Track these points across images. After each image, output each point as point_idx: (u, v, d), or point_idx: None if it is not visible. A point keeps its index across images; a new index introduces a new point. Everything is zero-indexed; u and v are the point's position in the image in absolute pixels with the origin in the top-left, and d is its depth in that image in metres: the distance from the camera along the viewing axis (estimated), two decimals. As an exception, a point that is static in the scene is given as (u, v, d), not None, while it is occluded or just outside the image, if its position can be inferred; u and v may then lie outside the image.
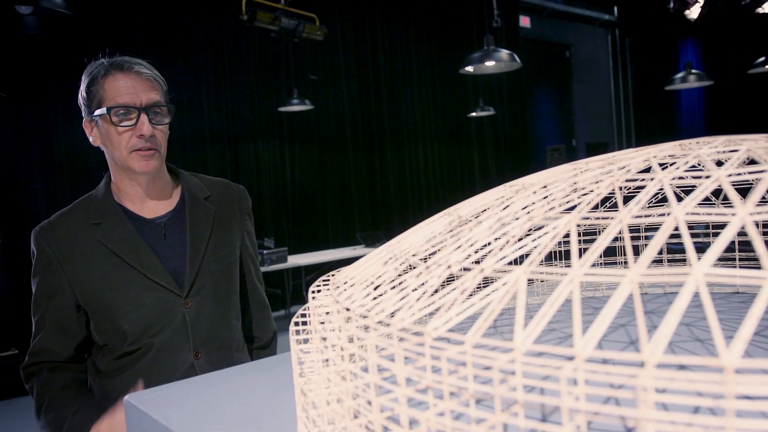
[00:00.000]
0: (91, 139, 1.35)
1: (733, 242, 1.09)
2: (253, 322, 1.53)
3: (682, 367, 0.66)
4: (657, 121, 11.95)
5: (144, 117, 1.28)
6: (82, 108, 1.34)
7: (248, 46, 6.89)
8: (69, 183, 5.59)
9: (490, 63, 4.77)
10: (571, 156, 10.58)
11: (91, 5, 5.36)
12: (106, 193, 1.36)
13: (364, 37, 8.13)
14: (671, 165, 0.53)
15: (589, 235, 1.19)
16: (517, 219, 0.49)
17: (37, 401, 1.29)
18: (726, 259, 1.12)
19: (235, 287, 1.45)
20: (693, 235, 1.19)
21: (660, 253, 1.18)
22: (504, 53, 4.71)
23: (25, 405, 4.49)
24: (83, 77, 1.32)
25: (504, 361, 0.34)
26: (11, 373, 4.56)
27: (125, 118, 1.28)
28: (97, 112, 1.29)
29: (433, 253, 0.52)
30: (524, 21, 10.27)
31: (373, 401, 0.43)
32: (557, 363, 0.33)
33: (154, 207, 1.39)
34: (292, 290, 6.71)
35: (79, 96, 1.34)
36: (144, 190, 1.37)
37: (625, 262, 1.20)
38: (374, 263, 0.59)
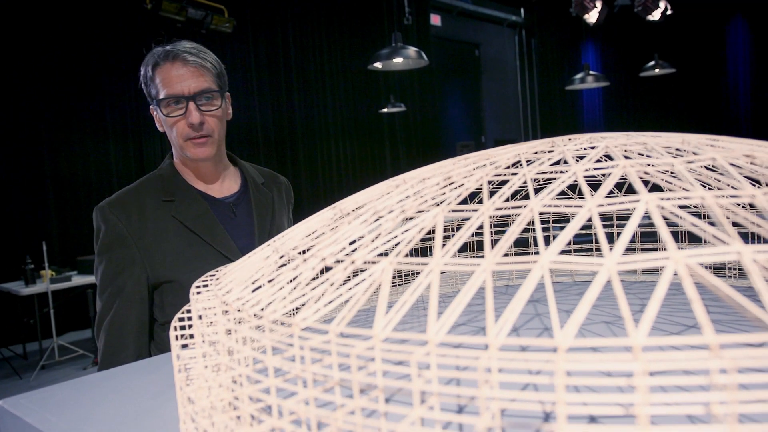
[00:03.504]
0: (157, 125, 1.39)
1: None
2: None
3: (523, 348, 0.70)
4: (561, 118, 12.50)
5: (192, 105, 1.30)
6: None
7: (153, 36, 6.63)
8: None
9: (398, 60, 4.83)
10: (480, 152, 10.86)
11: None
12: (174, 172, 1.39)
13: (275, 30, 8.01)
14: (537, 161, 0.56)
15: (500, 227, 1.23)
16: (390, 212, 0.51)
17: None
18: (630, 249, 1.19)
19: None
20: (606, 226, 1.25)
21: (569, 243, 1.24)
22: (412, 50, 4.78)
23: None
24: (141, 68, 1.35)
25: (362, 348, 0.36)
26: None
27: (176, 108, 1.31)
28: (153, 102, 1.33)
29: (312, 247, 0.53)
30: (435, 19, 10.45)
31: (244, 393, 0.43)
32: (411, 348, 0.35)
33: (219, 187, 1.44)
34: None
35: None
36: (207, 173, 1.41)
37: (535, 252, 1.26)
38: (257, 258, 0.60)
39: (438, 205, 0.49)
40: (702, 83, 12.32)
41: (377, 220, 0.50)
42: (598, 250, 1.20)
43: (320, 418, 0.38)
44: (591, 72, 7.42)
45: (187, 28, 6.30)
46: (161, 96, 1.31)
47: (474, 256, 1.22)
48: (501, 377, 0.33)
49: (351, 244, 0.48)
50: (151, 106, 1.37)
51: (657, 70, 8.06)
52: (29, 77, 5.67)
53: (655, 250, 1.13)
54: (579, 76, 7.53)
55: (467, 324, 0.88)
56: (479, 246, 1.24)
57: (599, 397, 0.32)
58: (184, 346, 0.57)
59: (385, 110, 8.64)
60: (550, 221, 1.30)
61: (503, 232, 1.29)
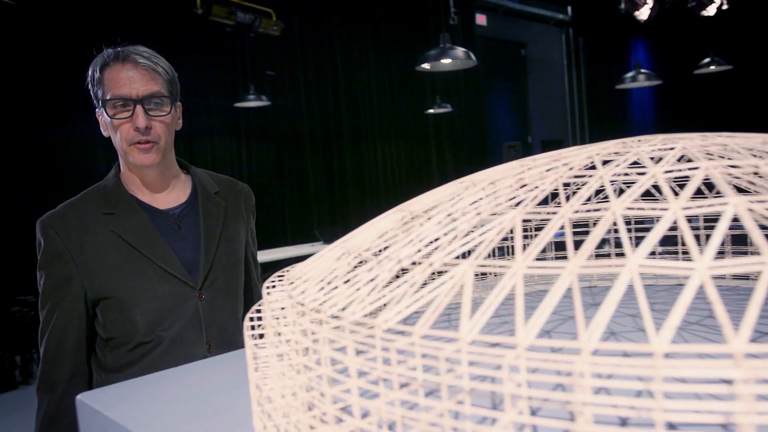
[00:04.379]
0: (102, 130, 1.34)
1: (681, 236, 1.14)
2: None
3: (624, 354, 0.69)
4: (609, 118, 12.23)
5: (139, 109, 1.26)
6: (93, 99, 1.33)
7: (203, 40, 6.78)
8: (40, 185, 5.44)
9: (446, 60, 4.81)
10: (526, 153, 10.74)
11: (38, -4, 5.19)
12: (117, 183, 1.35)
13: (322, 33, 8.09)
14: (612, 162, 0.55)
15: (541, 230, 1.22)
16: (465, 214, 0.51)
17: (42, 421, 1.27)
18: (674, 253, 1.17)
19: (242, 282, 1.46)
20: (646, 230, 1.23)
21: (607, 246, 1.22)
22: (460, 51, 4.75)
23: (9, 399, 4.42)
24: (89, 69, 1.31)
25: (450, 351, 0.36)
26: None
27: (122, 110, 1.27)
28: (99, 104, 1.29)
29: (385, 248, 0.53)
30: (480, 19, 10.37)
31: (326, 393, 0.44)
32: (501, 352, 0.35)
33: (165, 198, 1.39)
34: (249, 288, 6.63)
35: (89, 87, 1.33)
36: (153, 182, 1.36)
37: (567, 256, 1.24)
38: (328, 259, 0.60)
39: (514, 207, 0.49)
40: (760, 80, 11.88)
41: (452, 221, 0.50)
42: (661, 253, 1.17)
43: (406, 420, 0.38)
44: (642, 70, 7.24)
45: (236, 32, 6.42)
46: (107, 96, 1.26)
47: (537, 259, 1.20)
48: (598, 382, 0.32)
49: (427, 246, 0.48)
50: (96, 110, 1.33)
51: (712, 67, 7.81)
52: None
53: (722, 253, 1.10)
54: (630, 74, 7.35)
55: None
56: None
57: (696, 405, 0.32)
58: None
59: (431, 111, 8.62)
60: (591, 225, 1.27)
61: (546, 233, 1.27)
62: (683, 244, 1.14)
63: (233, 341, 1.40)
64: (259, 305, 0.63)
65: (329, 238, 7.03)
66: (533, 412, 0.54)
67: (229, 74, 7.07)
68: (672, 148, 0.56)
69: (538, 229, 1.23)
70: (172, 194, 1.40)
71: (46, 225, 1.28)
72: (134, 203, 1.33)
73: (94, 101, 1.32)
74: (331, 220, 8.13)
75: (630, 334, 0.79)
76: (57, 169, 5.60)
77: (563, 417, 0.54)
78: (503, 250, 1.25)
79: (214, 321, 1.33)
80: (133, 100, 1.26)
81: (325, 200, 8.21)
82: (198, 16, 5.97)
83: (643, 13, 7.73)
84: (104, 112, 1.29)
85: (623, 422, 0.52)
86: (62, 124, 5.63)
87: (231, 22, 6.13)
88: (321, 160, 8.14)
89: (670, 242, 1.14)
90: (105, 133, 1.34)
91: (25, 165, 5.50)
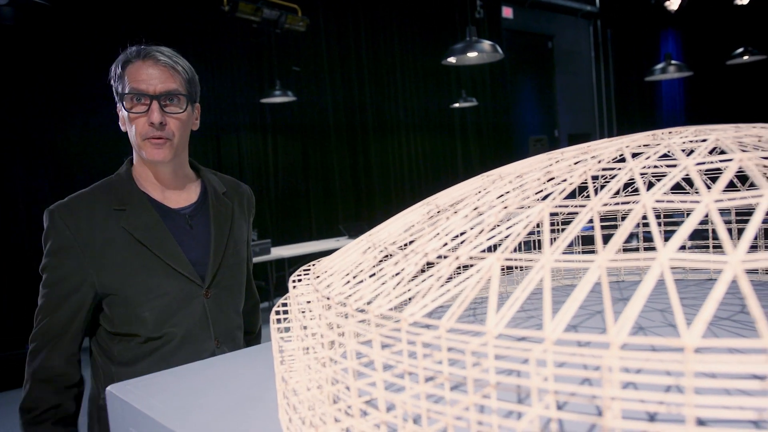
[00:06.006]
0: (120, 125, 1.36)
1: (707, 230, 1.12)
2: (247, 315, 1.56)
3: (653, 349, 0.68)
4: (638, 111, 12.05)
5: (155, 104, 1.27)
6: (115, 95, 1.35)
7: (230, 37, 6.84)
8: (49, 180, 5.53)
9: (472, 54, 4.78)
10: (553, 146, 10.62)
11: (69, -5, 5.28)
12: (129, 179, 1.36)
13: (347, 28, 8.10)
14: (642, 154, 0.54)
15: (568, 224, 1.20)
16: (492, 208, 0.50)
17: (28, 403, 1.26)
18: (702, 247, 1.15)
19: (244, 281, 1.49)
20: (673, 224, 1.21)
21: (635, 240, 1.20)
22: (486, 44, 4.72)
23: (15, 398, 4.48)
24: (113, 65, 1.33)
25: (476, 345, 0.35)
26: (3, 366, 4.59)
27: (138, 105, 1.28)
28: (118, 98, 1.31)
29: (411, 242, 0.53)
30: (507, 12, 10.28)
31: (351, 386, 0.44)
32: (527, 346, 0.34)
33: (177, 197, 1.40)
34: (275, 282, 6.69)
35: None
36: (165, 179, 1.38)
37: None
38: (353, 252, 0.60)
39: (542, 200, 0.48)
40: (795, 71, 11.57)
41: (479, 215, 0.50)
42: (691, 247, 1.15)
43: (431, 414, 0.38)
44: (673, 61, 7.11)
45: (262, 28, 6.47)
46: (126, 90, 1.28)
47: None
48: (626, 377, 0.32)
49: (453, 239, 0.48)
50: (117, 104, 1.34)
51: (746, 57, 7.64)
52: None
53: (755, 247, 1.08)
54: (660, 66, 7.22)
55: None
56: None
57: (727, 400, 0.31)
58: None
59: (457, 105, 8.58)
60: (619, 218, 1.25)
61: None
62: (714, 238, 1.12)
63: (236, 337, 1.43)
64: (285, 298, 0.64)
65: (354, 232, 7.05)
66: (560, 407, 0.54)
67: (255, 70, 7.13)
68: (704, 140, 0.55)
69: (565, 223, 1.22)
70: (184, 194, 1.42)
71: (55, 216, 1.29)
72: (146, 201, 1.35)
73: (115, 96, 1.34)
74: (356, 215, 8.16)
75: (659, 329, 0.77)
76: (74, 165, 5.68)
77: (590, 412, 0.53)
78: (530, 244, 1.24)
79: (220, 318, 1.36)
80: (150, 95, 1.28)
81: (351, 195, 8.24)
82: (224, 13, 6.02)
83: (673, 4, 7.59)
84: (122, 106, 1.31)
85: (651, 417, 0.51)
86: (88, 119, 5.72)
87: (257, 19, 6.18)
88: (346, 155, 8.17)
89: (700, 236, 1.12)
90: (123, 128, 1.36)
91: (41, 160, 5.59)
